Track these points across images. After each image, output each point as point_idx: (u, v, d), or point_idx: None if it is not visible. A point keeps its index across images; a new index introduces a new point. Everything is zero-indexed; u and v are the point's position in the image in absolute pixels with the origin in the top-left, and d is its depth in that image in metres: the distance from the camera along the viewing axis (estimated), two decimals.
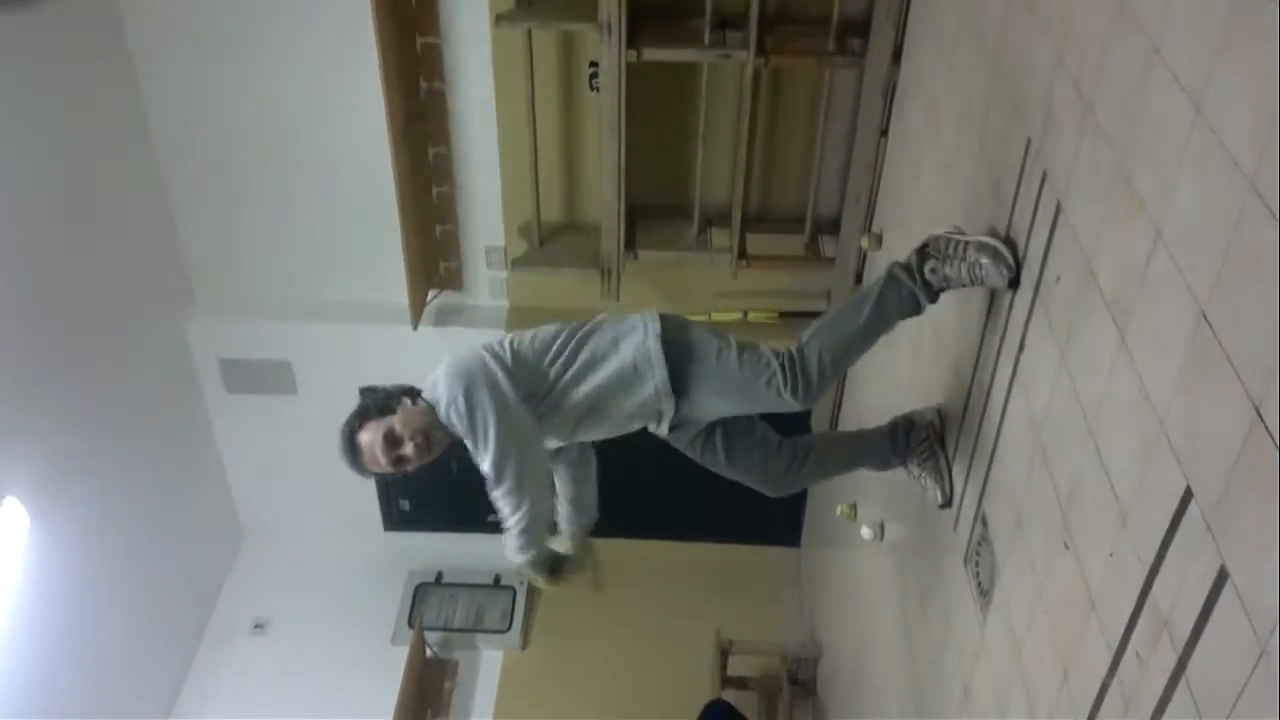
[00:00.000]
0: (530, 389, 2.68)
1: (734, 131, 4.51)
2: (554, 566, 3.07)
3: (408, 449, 2.63)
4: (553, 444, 2.89)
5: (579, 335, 2.76)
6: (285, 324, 5.35)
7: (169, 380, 5.38)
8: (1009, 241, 2.54)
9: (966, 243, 2.59)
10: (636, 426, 2.87)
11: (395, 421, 2.63)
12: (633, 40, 4.09)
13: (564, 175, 4.87)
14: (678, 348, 2.74)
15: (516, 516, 2.70)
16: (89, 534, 4.64)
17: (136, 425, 4.98)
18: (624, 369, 2.72)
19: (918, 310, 2.72)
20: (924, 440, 3.06)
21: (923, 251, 2.67)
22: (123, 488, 4.88)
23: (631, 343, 2.74)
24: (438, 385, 2.66)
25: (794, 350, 2.74)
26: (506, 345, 2.72)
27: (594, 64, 4.38)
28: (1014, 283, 2.49)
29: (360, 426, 2.66)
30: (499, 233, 5.06)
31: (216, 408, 5.69)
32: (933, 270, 2.64)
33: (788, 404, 2.74)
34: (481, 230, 5.08)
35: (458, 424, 2.61)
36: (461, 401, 2.58)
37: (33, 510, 4.20)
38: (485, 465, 2.64)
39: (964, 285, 2.63)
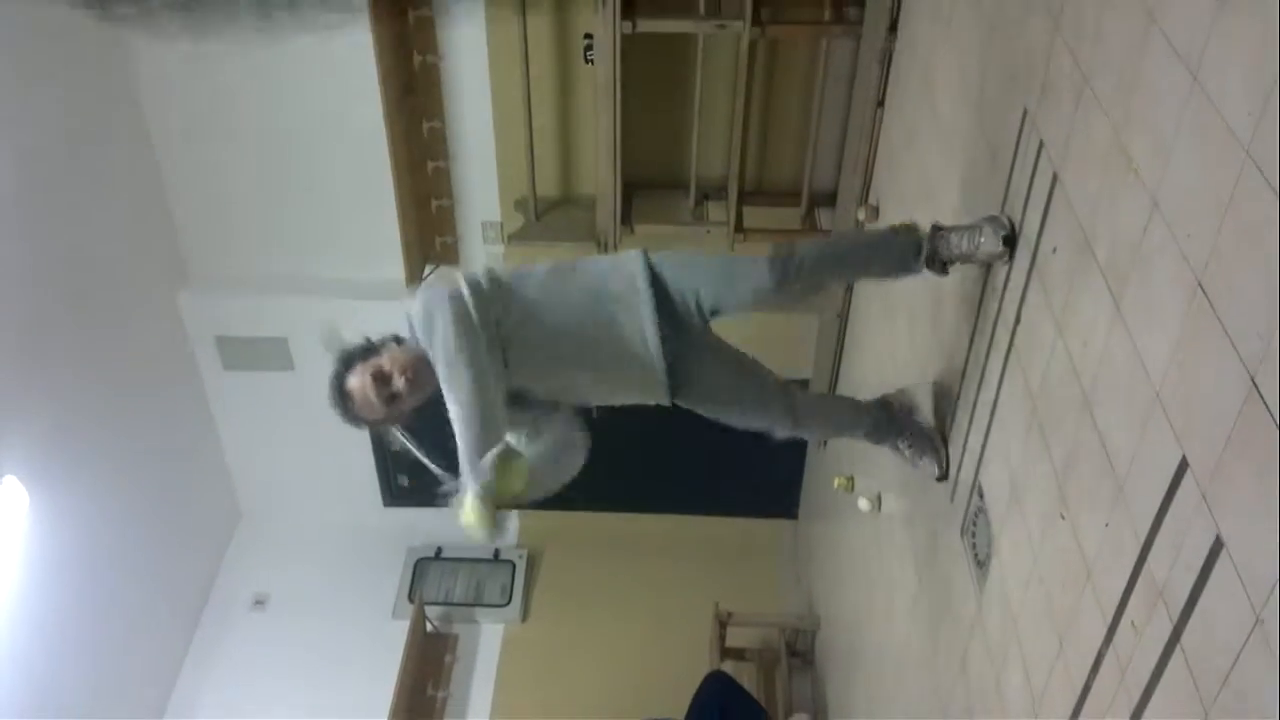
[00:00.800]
0: (504, 305, 2.61)
1: (730, 103, 4.49)
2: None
3: (398, 383, 2.56)
4: (538, 391, 2.77)
5: (563, 265, 2.75)
6: (282, 300, 5.34)
7: (166, 358, 5.37)
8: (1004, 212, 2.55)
9: (977, 225, 2.62)
10: (624, 375, 2.79)
11: (382, 360, 2.60)
12: (628, 11, 4.06)
13: (559, 149, 4.85)
14: (664, 258, 2.73)
15: (460, 407, 2.53)
16: (88, 511, 4.65)
17: (134, 403, 4.98)
18: (604, 279, 2.70)
19: (913, 260, 2.70)
20: (912, 419, 3.07)
21: (938, 226, 2.72)
22: (121, 465, 4.89)
23: (619, 266, 2.73)
24: (412, 320, 2.59)
25: (784, 248, 2.78)
26: (484, 271, 2.67)
27: (589, 35, 4.35)
28: (1009, 241, 2.49)
29: (347, 371, 2.61)
30: (495, 207, 5.04)
31: (214, 385, 5.68)
32: (941, 235, 2.67)
33: (759, 274, 2.71)
34: (477, 205, 5.06)
35: (422, 339, 2.54)
36: (419, 309, 2.52)
37: (32, 488, 4.20)
38: (440, 372, 2.54)
39: (962, 253, 2.63)
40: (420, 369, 2.57)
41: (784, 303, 2.90)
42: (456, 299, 2.53)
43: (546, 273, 2.73)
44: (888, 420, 3.12)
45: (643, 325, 2.69)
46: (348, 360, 2.61)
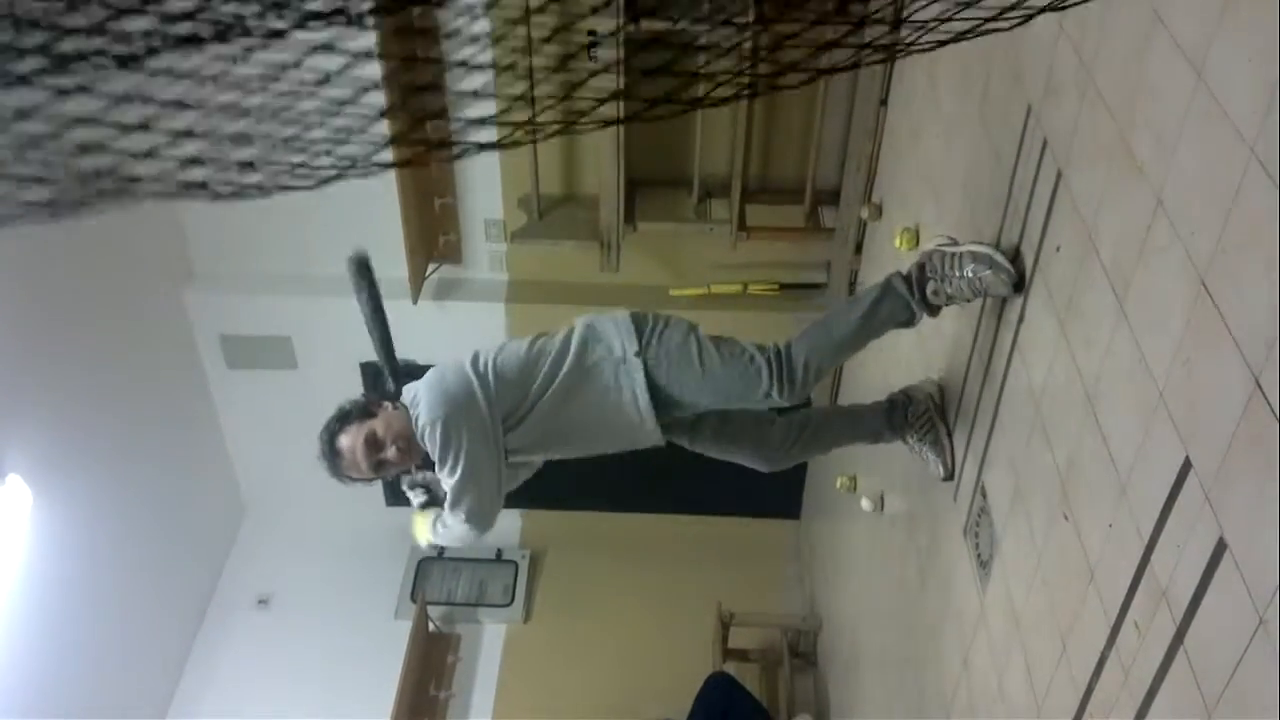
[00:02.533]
0: (509, 410, 2.68)
1: (733, 101, 4.47)
2: None
3: (389, 453, 2.63)
4: (523, 463, 2.88)
5: (559, 349, 2.74)
6: (285, 299, 5.33)
7: (170, 356, 5.37)
8: (1004, 248, 2.52)
9: (959, 255, 2.56)
10: (618, 449, 2.86)
11: (377, 425, 2.62)
12: (631, 9, 4.04)
13: (563, 147, 4.84)
14: (660, 359, 2.71)
15: (459, 521, 2.74)
16: (92, 511, 4.65)
17: (138, 402, 4.98)
18: (604, 388, 2.72)
19: (910, 323, 2.73)
20: (923, 414, 3.05)
21: (922, 269, 2.65)
22: (125, 464, 4.89)
23: (611, 366, 2.72)
24: (419, 400, 2.64)
25: (781, 349, 2.72)
26: (490, 364, 2.69)
27: (593, 33, 4.33)
28: (1019, 287, 2.46)
29: (341, 430, 2.64)
30: (498, 206, 5.03)
31: (217, 383, 5.68)
32: (934, 292, 2.63)
33: (774, 402, 2.74)
34: (481, 203, 5.05)
35: (429, 446, 2.62)
36: (439, 429, 2.58)
37: (35, 487, 4.20)
38: (447, 485, 2.68)
39: (968, 300, 2.62)
40: (412, 438, 2.62)
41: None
42: (472, 421, 2.60)
43: (540, 384, 2.72)
44: (890, 423, 3.11)
45: (641, 418, 2.75)
46: (343, 418, 2.64)
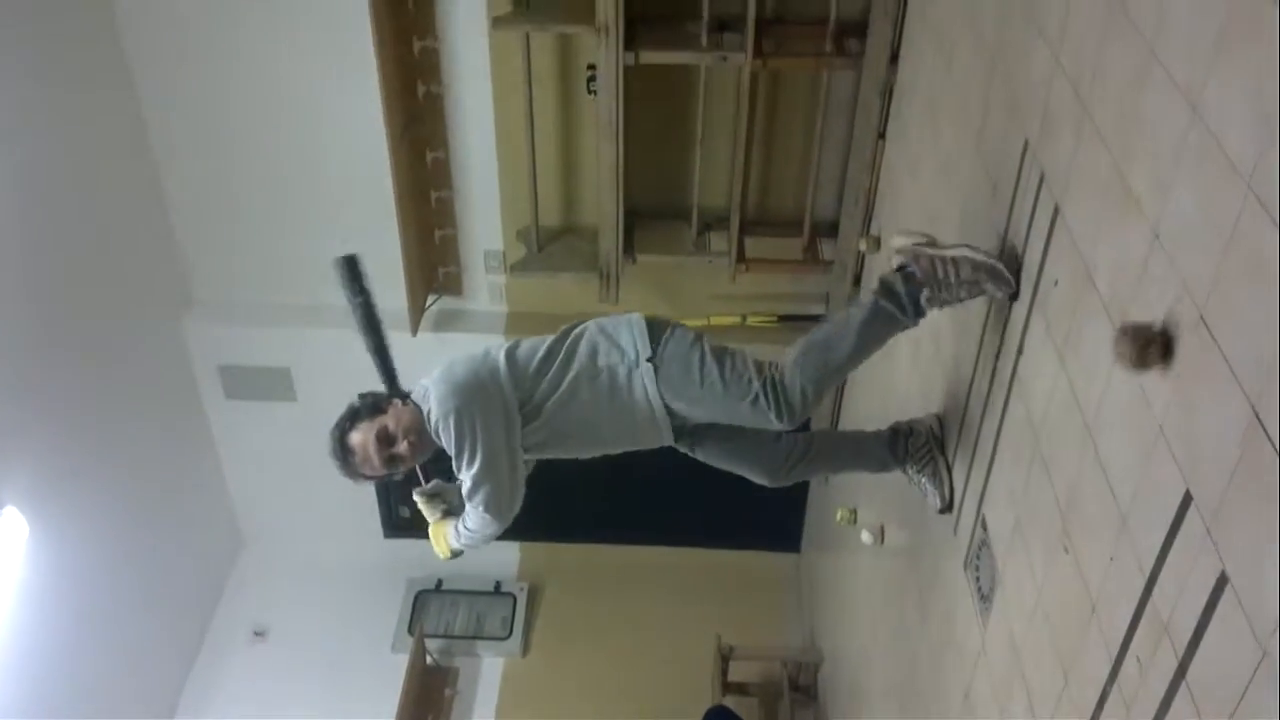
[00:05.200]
0: (519, 401, 2.68)
1: (732, 134, 4.50)
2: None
3: (401, 448, 2.61)
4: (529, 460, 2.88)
5: (571, 347, 2.74)
6: (284, 330, 5.34)
7: (168, 387, 5.37)
8: (1005, 255, 2.51)
9: (954, 260, 2.50)
10: (624, 449, 2.86)
11: (388, 420, 2.62)
12: (630, 43, 4.08)
13: (562, 179, 4.87)
14: (666, 363, 2.72)
15: (478, 514, 2.72)
16: (88, 542, 4.63)
17: (136, 432, 4.97)
18: (615, 386, 2.72)
19: (904, 327, 2.70)
20: (923, 445, 3.05)
21: (908, 277, 2.57)
22: (122, 495, 4.87)
23: (624, 368, 2.72)
24: (429, 394, 2.64)
25: (777, 375, 2.69)
26: (501, 357, 2.70)
27: (592, 67, 4.37)
28: (1015, 297, 2.47)
29: (352, 427, 2.64)
30: (497, 237, 5.05)
31: (216, 414, 5.68)
32: (929, 299, 2.56)
33: (773, 425, 2.73)
34: (480, 235, 5.07)
35: (444, 439, 2.61)
36: (452, 420, 2.58)
37: (32, 518, 4.18)
38: (463, 477, 2.66)
39: (961, 301, 2.59)
40: (423, 433, 2.60)
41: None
42: (485, 411, 2.59)
43: (550, 381, 2.73)
44: (893, 452, 3.11)
45: (653, 413, 2.76)
46: (353, 415, 2.63)
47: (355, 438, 2.62)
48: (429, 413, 2.62)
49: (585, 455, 2.90)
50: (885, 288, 2.61)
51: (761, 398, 2.67)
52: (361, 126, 4.50)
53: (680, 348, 2.73)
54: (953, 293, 2.53)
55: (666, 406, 2.73)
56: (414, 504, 2.97)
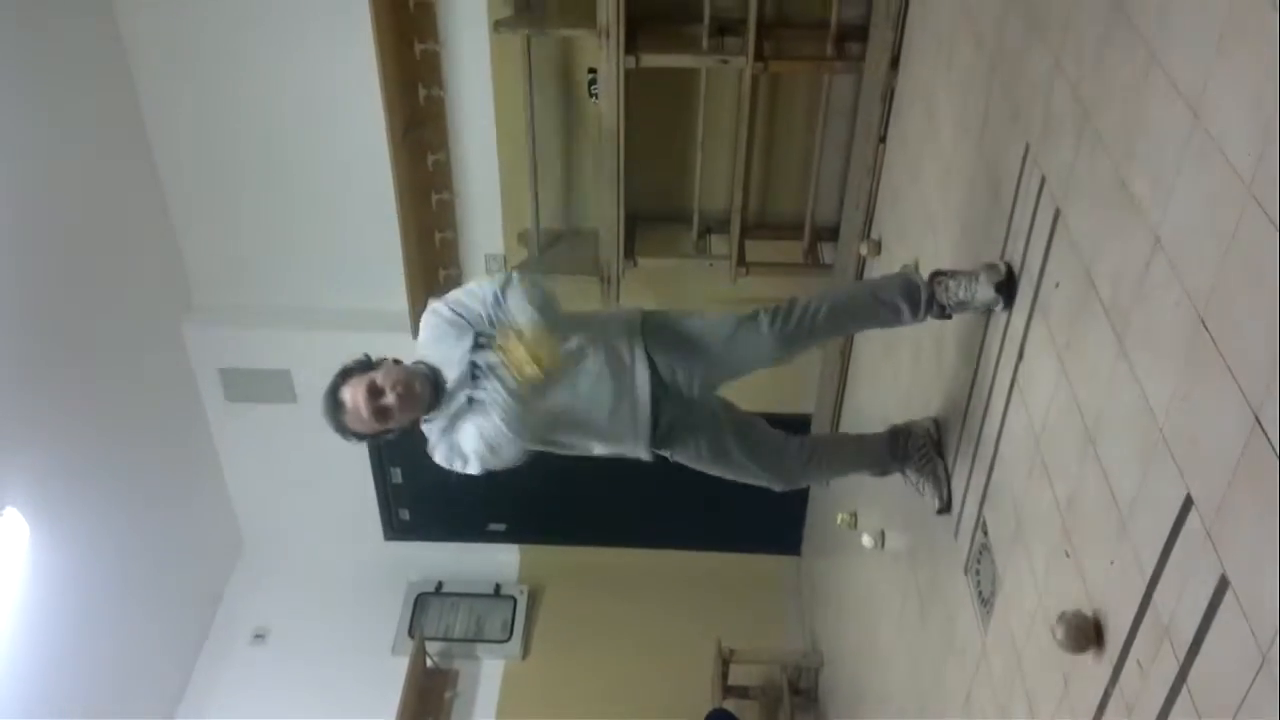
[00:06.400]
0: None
1: (733, 137, 4.51)
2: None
3: (389, 398, 2.61)
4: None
5: (565, 322, 2.76)
6: (285, 332, 5.34)
7: (169, 389, 5.37)
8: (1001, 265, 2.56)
9: (975, 271, 2.65)
10: (617, 442, 2.85)
11: (377, 375, 2.64)
12: (631, 46, 4.08)
13: (563, 182, 4.87)
14: (659, 319, 2.81)
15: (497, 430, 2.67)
16: (89, 544, 4.63)
17: (136, 435, 4.97)
18: (607, 337, 2.76)
19: (913, 311, 2.75)
20: (921, 447, 3.07)
21: (941, 272, 2.75)
22: (123, 497, 4.87)
23: (616, 320, 2.80)
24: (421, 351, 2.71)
25: (782, 304, 2.81)
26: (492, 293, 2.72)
27: (593, 70, 4.37)
28: (1002, 289, 2.52)
29: (343, 383, 2.65)
30: (498, 240, 5.05)
31: (216, 417, 5.68)
32: (939, 283, 2.71)
33: (764, 340, 2.78)
34: (481, 238, 5.07)
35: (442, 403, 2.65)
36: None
37: (33, 520, 4.18)
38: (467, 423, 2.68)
39: (959, 300, 2.66)
40: (412, 385, 2.62)
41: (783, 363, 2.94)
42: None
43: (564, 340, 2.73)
44: (893, 453, 3.12)
45: (636, 400, 2.76)
46: (345, 373, 2.66)
47: (345, 392, 2.63)
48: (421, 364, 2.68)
49: (570, 453, 2.90)
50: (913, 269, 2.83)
51: (762, 312, 2.78)
52: (362, 128, 4.50)
53: (673, 310, 2.87)
54: (956, 280, 2.65)
55: (664, 389, 2.75)
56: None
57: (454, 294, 2.73)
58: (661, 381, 2.78)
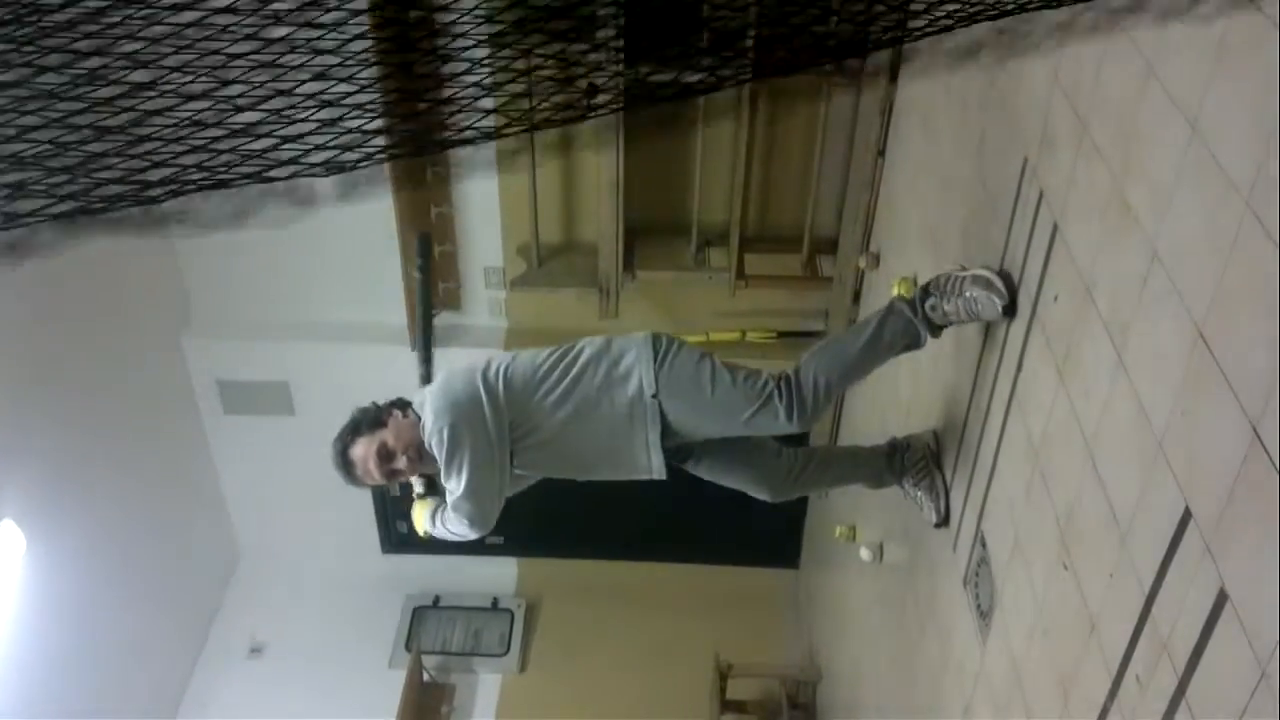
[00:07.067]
0: (516, 421, 2.68)
1: (732, 151, 4.51)
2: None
3: (400, 463, 2.66)
4: (523, 477, 2.88)
5: (573, 370, 2.72)
6: (283, 345, 5.33)
7: (166, 401, 5.36)
8: (1003, 273, 2.54)
9: (963, 278, 2.61)
10: (618, 478, 2.86)
11: (388, 435, 2.65)
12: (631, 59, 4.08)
13: (562, 195, 4.87)
14: (672, 383, 2.71)
15: (462, 525, 2.74)
16: (86, 556, 4.62)
17: (134, 447, 4.96)
18: (615, 419, 2.72)
19: (916, 343, 2.74)
20: (920, 460, 3.06)
21: (926, 289, 2.70)
22: (120, 510, 4.86)
23: (625, 391, 2.71)
24: (425, 406, 2.66)
25: (791, 373, 2.73)
26: (500, 374, 2.69)
27: (592, 84, 4.37)
28: (1009, 310, 2.50)
29: (353, 441, 2.67)
30: (497, 253, 5.05)
31: (214, 429, 5.66)
32: (933, 307, 2.67)
33: (783, 427, 2.73)
34: (480, 250, 5.07)
35: (436, 452, 2.63)
36: (446, 435, 2.60)
37: (29, 532, 4.17)
38: (450, 487, 2.69)
39: (962, 321, 2.66)
40: (423, 449, 2.64)
41: None
42: (478, 430, 2.61)
43: (554, 401, 2.72)
44: (890, 465, 3.12)
45: (648, 455, 2.77)
46: (354, 429, 2.67)
47: (356, 451, 2.67)
48: (425, 425, 2.63)
49: (579, 478, 2.91)
50: (903, 297, 2.74)
51: (775, 396, 2.68)
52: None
53: (688, 362, 2.74)
54: (951, 303, 2.61)
55: (665, 430, 2.73)
56: (409, 497, 3.01)
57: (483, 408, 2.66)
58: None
